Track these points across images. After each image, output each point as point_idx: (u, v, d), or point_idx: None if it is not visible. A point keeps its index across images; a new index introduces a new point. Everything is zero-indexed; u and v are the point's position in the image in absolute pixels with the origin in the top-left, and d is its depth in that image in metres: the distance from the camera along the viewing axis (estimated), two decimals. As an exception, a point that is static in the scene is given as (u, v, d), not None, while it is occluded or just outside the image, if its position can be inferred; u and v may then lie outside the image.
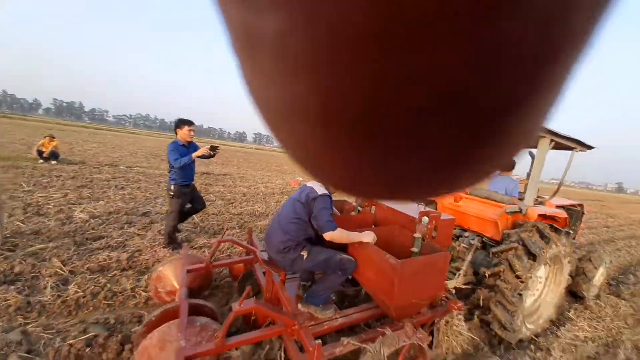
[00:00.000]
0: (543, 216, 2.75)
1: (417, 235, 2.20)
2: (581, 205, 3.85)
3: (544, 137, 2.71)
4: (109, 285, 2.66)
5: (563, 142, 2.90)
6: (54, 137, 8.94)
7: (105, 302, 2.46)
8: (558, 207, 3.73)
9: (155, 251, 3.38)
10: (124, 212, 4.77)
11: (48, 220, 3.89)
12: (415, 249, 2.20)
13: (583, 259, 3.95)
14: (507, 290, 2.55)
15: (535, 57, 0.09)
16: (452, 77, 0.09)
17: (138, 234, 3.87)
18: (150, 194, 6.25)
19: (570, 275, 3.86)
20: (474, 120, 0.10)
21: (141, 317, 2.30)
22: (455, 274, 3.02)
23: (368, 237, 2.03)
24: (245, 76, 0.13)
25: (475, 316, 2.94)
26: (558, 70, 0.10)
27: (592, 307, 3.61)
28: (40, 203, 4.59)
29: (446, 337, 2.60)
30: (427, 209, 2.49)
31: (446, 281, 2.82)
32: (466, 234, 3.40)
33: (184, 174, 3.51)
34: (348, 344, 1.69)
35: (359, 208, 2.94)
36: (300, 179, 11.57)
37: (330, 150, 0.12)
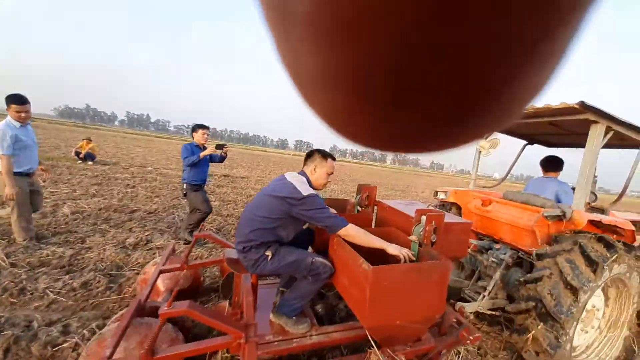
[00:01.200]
0: (597, 225, 2.06)
1: (413, 238, 1.76)
2: None
3: (597, 122, 2.06)
4: (24, 282, 2.42)
5: (627, 134, 2.19)
6: (90, 140, 9.87)
7: (12, 299, 2.25)
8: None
9: (105, 249, 3.21)
10: (113, 209, 4.78)
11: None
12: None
13: None
14: (551, 301, 1.94)
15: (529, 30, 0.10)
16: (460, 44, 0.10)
17: (106, 231, 3.79)
18: (152, 192, 6.35)
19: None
20: (478, 82, 0.11)
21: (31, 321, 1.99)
22: (481, 295, 2.44)
23: (394, 249, 1.67)
24: (280, 51, 0.14)
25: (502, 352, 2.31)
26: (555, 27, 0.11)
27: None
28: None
29: None
30: (431, 207, 2.02)
31: (463, 304, 2.27)
32: (497, 246, 2.77)
33: (195, 173, 3.58)
34: None
35: (359, 208, 2.55)
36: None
37: (357, 113, 0.14)
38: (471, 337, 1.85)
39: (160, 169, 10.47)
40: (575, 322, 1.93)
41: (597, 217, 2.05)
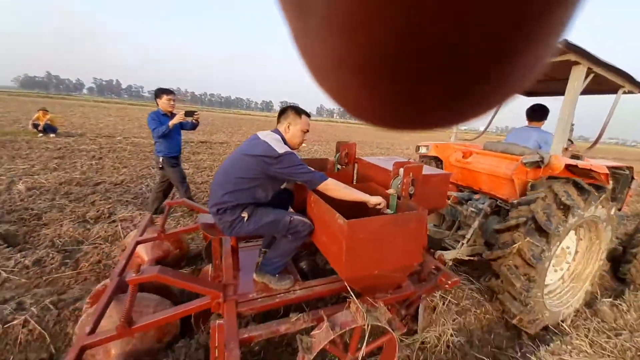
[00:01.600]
0: (573, 170, 2.09)
1: (391, 191, 1.73)
2: (630, 168, 3.01)
3: (579, 63, 1.97)
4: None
5: (605, 75, 2.12)
6: (47, 111, 9.06)
7: None
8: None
9: (62, 225, 3.05)
10: (75, 182, 4.55)
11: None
12: (388, 210, 1.75)
13: (635, 234, 3.19)
14: (522, 256, 2.04)
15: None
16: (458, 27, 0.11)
17: (65, 206, 3.60)
18: (120, 163, 6.04)
19: (614, 254, 3.17)
20: (476, 59, 0.12)
21: None
22: (459, 243, 2.52)
23: (374, 199, 1.63)
24: (296, 39, 0.15)
25: (483, 296, 2.47)
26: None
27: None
28: (-5, 175, 4.45)
29: (442, 320, 2.20)
30: (409, 160, 1.97)
31: (443, 252, 2.35)
32: (477, 196, 2.82)
33: (169, 144, 3.31)
34: (275, 328, 1.36)
35: (338, 166, 2.48)
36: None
37: (367, 93, 0.15)
38: (449, 282, 1.93)
39: (130, 138, 9.86)
40: (547, 264, 2.04)
41: (573, 161, 2.06)
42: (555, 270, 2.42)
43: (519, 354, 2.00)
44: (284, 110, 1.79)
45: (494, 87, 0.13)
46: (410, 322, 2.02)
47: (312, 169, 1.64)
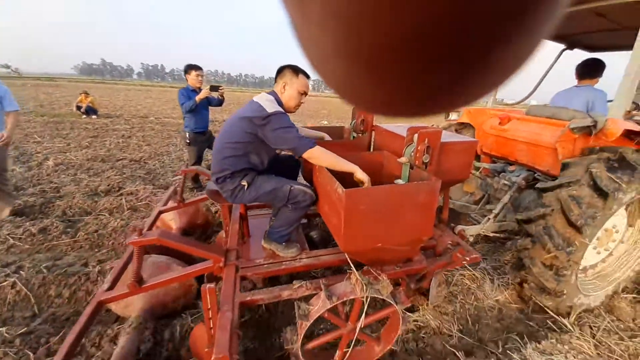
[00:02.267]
0: (633, 137, 1.72)
1: (403, 160, 1.58)
2: None
3: None
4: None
5: None
6: (88, 94, 9.72)
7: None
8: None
9: (74, 197, 3.27)
10: (100, 159, 4.88)
11: (20, 168, 4.15)
12: (399, 180, 1.61)
13: None
14: (566, 216, 1.72)
15: None
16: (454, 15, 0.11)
17: (82, 180, 3.87)
18: (144, 141, 6.40)
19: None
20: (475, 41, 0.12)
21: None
22: (485, 218, 2.30)
23: (361, 173, 1.53)
24: (296, 28, 0.15)
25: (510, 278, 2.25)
26: None
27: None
28: (33, 152, 4.97)
29: (461, 300, 2.08)
30: (425, 125, 1.77)
31: (465, 227, 2.16)
32: (511, 168, 2.51)
33: (197, 120, 3.38)
34: (269, 294, 1.37)
35: (354, 134, 2.33)
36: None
37: (367, 81, 0.15)
38: (467, 258, 1.79)
39: (161, 118, 10.40)
40: (595, 234, 1.75)
41: (633, 126, 1.69)
42: (598, 252, 2.12)
43: (501, 349, 1.73)
44: (281, 69, 1.67)
45: (495, 68, 0.13)
46: (421, 297, 1.94)
47: (301, 135, 1.54)
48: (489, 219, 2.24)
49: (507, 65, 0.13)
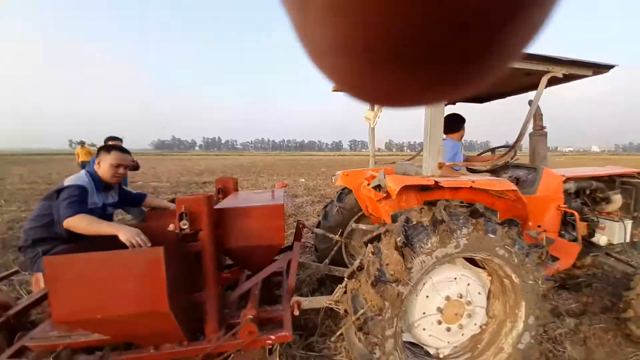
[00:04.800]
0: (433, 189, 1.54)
1: (171, 227, 1.63)
2: None
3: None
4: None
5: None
6: (84, 144, 10.12)
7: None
8: (569, 179, 2.09)
9: None
10: None
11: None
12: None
13: None
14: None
15: None
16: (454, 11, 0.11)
17: None
18: None
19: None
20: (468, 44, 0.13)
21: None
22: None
23: (124, 234, 1.60)
24: (297, 25, 0.15)
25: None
26: None
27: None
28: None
29: None
30: (198, 194, 1.80)
31: (300, 298, 1.95)
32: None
33: None
34: None
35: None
36: (286, 182, 10.53)
37: (369, 73, 0.15)
38: (272, 337, 1.61)
39: (149, 182, 11.31)
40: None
41: (425, 180, 1.54)
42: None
43: None
44: (99, 150, 1.96)
45: (494, 57, 0.14)
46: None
47: (74, 203, 1.69)
48: (340, 287, 1.99)
49: (505, 53, 0.14)
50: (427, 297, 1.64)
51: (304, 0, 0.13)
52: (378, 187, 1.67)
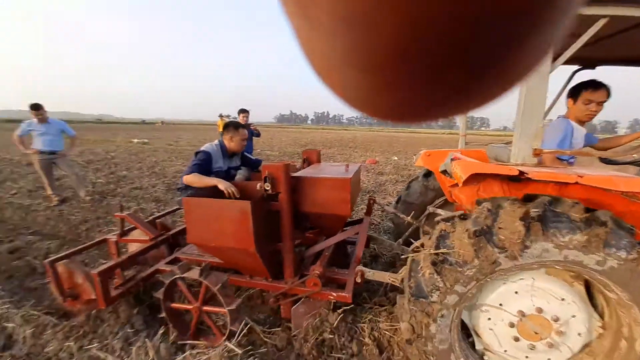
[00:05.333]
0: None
1: (258, 186, 2.01)
2: None
3: None
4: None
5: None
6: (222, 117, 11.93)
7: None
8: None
9: None
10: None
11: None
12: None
13: None
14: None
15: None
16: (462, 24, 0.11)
17: None
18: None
19: None
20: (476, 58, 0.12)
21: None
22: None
23: (222, 185, 2.19)
24: (301, 36, 0.15)
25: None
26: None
27: None
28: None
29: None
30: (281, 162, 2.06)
31: (364, 268, 2.09)
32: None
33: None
34: None
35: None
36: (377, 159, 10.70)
37: (377, 88, 0.14)
38: (333, 294, 1.86)
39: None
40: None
41: (490, 167, 1.32)
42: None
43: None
44: (226, 126, 2.59)
45: (505, 73, 0.13)
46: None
47: (195, 166, 2.27)
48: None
49: (519, 68, 0.13)
50: (516, 292, 1.41)
51: (310, 7, 0.12)
52: (445, 172, 1.56)
